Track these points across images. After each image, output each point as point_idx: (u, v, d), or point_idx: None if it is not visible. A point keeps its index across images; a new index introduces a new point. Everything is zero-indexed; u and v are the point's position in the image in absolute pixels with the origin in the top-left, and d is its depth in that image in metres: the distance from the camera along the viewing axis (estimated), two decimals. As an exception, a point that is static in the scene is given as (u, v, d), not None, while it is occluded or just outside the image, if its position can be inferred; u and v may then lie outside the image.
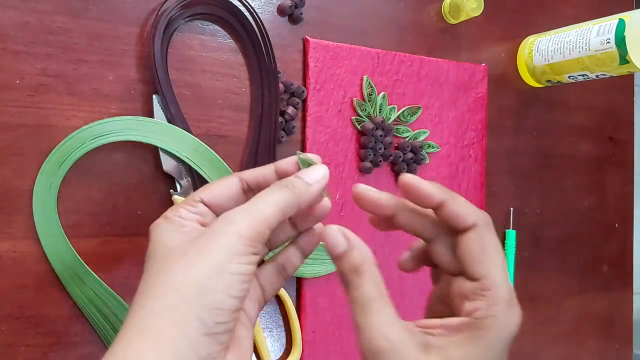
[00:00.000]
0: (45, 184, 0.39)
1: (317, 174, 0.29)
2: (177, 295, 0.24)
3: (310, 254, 0.33)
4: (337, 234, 0.28)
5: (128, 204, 0.42)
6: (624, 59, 0.52)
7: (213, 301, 0.25)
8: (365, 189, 0.30)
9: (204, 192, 0.29)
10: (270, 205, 0.27)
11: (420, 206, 0.29)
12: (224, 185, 0.30)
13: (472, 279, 0.27)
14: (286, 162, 0.31)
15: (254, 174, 0.30)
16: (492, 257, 0.27)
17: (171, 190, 0.43)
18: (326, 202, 0.31)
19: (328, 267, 0.49)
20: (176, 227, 0.28)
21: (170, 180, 0.43)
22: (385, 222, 0.31)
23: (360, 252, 0.28)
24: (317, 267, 0.49)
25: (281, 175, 0.30)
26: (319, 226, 0.32)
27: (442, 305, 0.30)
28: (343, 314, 0.51)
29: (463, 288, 0.28)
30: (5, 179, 0.39)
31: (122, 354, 0.24)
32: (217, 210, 0.29)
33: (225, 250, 0.25)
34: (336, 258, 0.28)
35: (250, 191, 0.30)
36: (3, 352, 0.39)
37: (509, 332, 0.27)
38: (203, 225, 0.28)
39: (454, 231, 0.29)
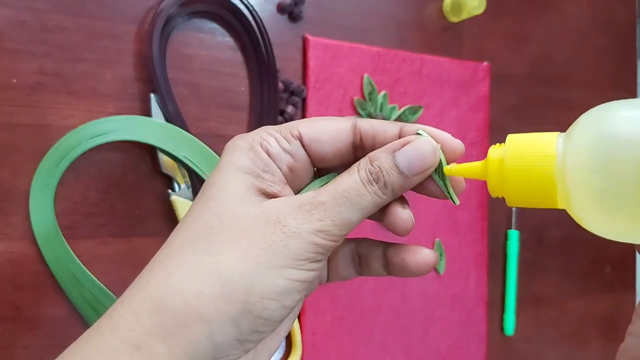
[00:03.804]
0: (42, 184, 0.39)
1: (422, 163, 0.22)
2: (217, 288, 0.20)
3: (394, 274, 0.25)
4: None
5: (125, 205, 0.42)
6: None
7: (259, 308, 0.20)
8: None
9: (306, 127, 0.23)
10: (357, 212, 0.22)
11: None
12: (333, 128, 0.24)
13: None
14: (411, 130, 0.24)
15: (372, 129, 0.24)
16: None
17: (169, 191, 0.43)
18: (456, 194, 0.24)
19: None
20: (255, 168, 0.22)
21: (168, 181, 0.43)
22: None
23: None
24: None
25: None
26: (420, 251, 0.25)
27: None
28: (343, 316, 0.50)
29: None
30: (1, 179, 0.39)
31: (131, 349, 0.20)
32: (314, 156, 0.24)
33: (291, 255, 0.21)
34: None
35: (361, 148, 0.24)
36: (0, 353, 0.38)
37: None
38: (291, 169, 0.23)
39: None
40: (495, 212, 0.60)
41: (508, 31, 0.62)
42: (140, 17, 0.43)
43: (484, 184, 0.58)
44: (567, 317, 0.65)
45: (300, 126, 0.23)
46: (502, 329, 0.61)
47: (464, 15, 0.56)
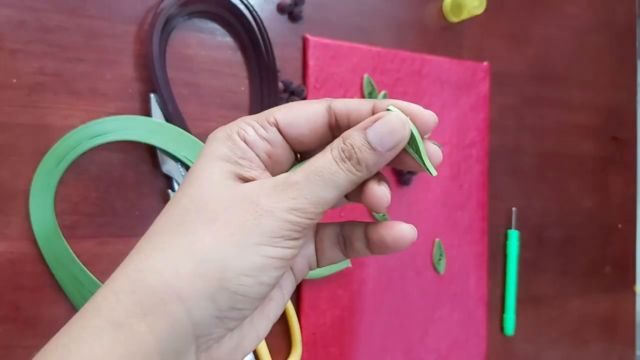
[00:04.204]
0: (42, 184, 0.39)
1: (392, 137, 0.22)
2: (192, 266, 0.21)
3: (377, 252, 0.26)
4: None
5: (126, 205, 0.42)
6: None
7: (235, 285, 0.21)
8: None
9: (282, 113, 0.24)
10: (331, 190, 0.22)
11: None
12: (309, 112, 0.24)
13: None
14: (384, 106, 0.24)
15: (346, 108, 0.24)
16: None
17: (169, 191, 0.43)
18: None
19: (328, 269, 0.49)
20: (232, 155, 0.23)
21: (168, 181, 0.43)
22: None
23: None
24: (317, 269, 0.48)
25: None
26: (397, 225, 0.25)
27: None
28: (343, 316, 0.50)
29: None
30: (1, 179, 0.38)
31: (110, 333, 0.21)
32: (292, 141, 0.24)
33: (265, 233, 0.21)
34: None
35: (337, 128, 0.24)
36: (0, 353, 0.38)
37: None
38: (269, 156, 0.24)
39: None
40: (495, 212, 0.60)
41: (508, 31, 0.62)
42: (140, 17, 0.43)
43: (481, 182, 0.58)
44: (567, 317, 0.65)
45: (276, 113, 0.24)
46: (502, 329, 0.61)
47: (464, 15, 0.56)
